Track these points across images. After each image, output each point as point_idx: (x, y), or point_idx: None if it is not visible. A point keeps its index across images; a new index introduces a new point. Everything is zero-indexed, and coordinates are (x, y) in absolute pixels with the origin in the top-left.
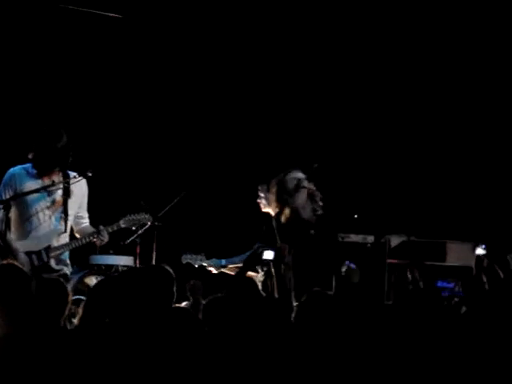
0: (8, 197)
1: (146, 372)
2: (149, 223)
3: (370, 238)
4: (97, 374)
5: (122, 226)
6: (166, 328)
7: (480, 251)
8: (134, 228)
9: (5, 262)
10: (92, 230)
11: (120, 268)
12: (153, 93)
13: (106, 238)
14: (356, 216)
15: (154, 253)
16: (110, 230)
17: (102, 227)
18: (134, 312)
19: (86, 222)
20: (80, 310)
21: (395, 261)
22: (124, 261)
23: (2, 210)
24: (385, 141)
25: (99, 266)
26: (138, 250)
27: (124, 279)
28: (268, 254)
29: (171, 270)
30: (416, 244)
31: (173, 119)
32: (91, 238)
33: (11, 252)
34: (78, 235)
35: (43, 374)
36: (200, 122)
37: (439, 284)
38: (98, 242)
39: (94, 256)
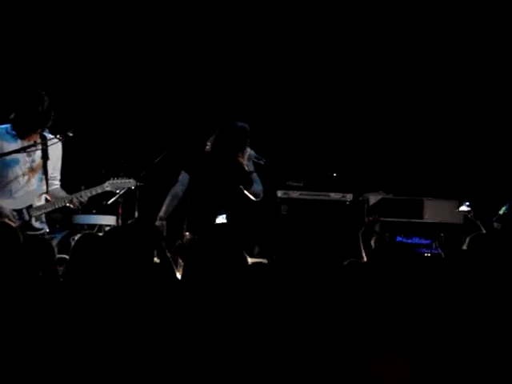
0: None
1: (129, 327)
2: (132, 187)
3: (349, 196)
4: (81, 330)
5: (107, 189)
6: (147, 283)
7: (464, 208)
8: (117, 191)
9: None
10: (63, 192)
11: (103, 227)
12: (134, 54)
13: (85, 199)
14: (335, 175)
15: (136, 212)
16: (94, 192)
17: (75, 194)
18: (118, 268)
19: (57, 183)
20: (63, 268)
21: (373, 217)
22: (107, 220)
23: None
24: (362, 100)
25: (82, 225)
26: (120, 210)
27: (109, 236)
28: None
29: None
30: (394, 201)
31: (153, 79)
32: (70, 200)
33: None
34: (48, 196)
35: (28, 328)
36: (181, 78)
37: (416, 240)
38: (72, 207)
39: (77, 215)
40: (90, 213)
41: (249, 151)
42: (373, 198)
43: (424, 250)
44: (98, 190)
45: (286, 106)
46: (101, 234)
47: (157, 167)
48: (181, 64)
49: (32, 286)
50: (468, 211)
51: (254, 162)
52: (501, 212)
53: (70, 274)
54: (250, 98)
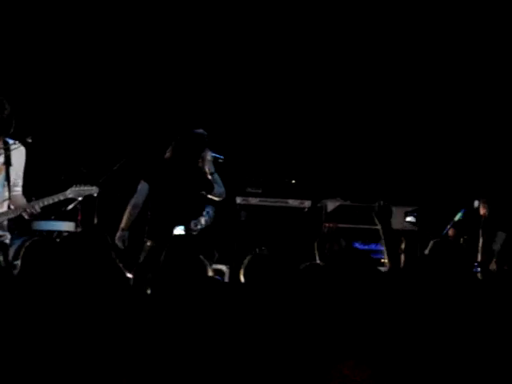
0: None
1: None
2: (95, 194)
3: (307, 203)
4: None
5: (69, 196)
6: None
7: (411, 219)
8: (79, 198)
9: None
10: (23, 199)
11: (62, 234)
12: (93, 57)
13: (36, 212)
14: (293, 181)
15: (96, 218)
16: (56, 199)
17: (33, 201)
18: (69, 275)
19: (19, 189)
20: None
21: (331, 224)
22: (65, 226)
23: None
24: (322, 108)
25: (41, 231)
26: (79, 216)
27: (64, 243)
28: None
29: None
30: (351, 208)
31: (115, 84)
32: (23, 210)
33: None
34: (10, 203)
35: None
36: (141, 83)
37: (373, 246)
38: (27, 216)
39: (36, 222)
40: (49, 219)
41: (208, 154)
42: (331, 205)
43: (381, 255)
44: (60, 197)
45: (244, 111)
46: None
47: (116, 174)
48: (139, 70)
49: None
50: (413, 222)
51: (213, 162)
52: (456, 218)
53: (20, 279)
54: (209, 103)
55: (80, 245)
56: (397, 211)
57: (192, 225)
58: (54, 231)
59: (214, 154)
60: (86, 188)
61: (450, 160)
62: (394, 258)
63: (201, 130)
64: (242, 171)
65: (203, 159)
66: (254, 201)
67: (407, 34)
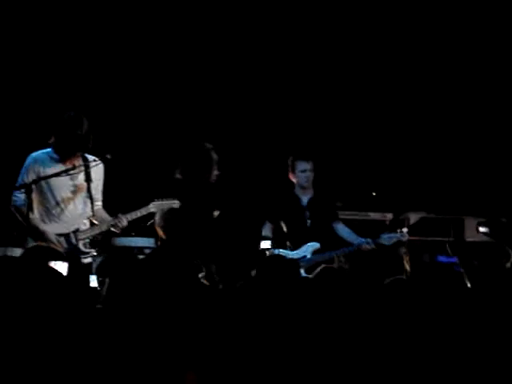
0: (31, 180)
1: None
2: (176, 207)
3: (389, 216)
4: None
5: (151, 210)
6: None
7: (483, 229)
8: (161, 213)
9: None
10: (106, 214)
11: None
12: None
13: (124, 225)
14: (374, 194)
15: (178, 234)
16: (139, 214)
17: (120, 215)
18: (159, 293)
19: (99, 204)
20: (103, 292)
21: (415, 237)
22: (145, 242)
23: (25, 194)
24: (401, 116)
25: (121, 248)
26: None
27: (148, 262)
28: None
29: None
30: (435, 220)
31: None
32: (112, 224)
33: (40, 234)
34: (93, 219)
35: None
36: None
37: (440, 259)
38: (116, 229)
39: (117, 238)
40: (129, 235)
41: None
42: (414, 217)
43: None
44: (143, 211)
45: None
46: (141, 257)
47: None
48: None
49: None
50: (486, 232)
51: None
52: None
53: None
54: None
55: (165, 260)
56: (470, 222)
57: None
58: (134, 247)
59: None
60: (167, 202)
61: None
62: (469, 272)
63: (207, 144)
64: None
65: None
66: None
67: (412, 30)
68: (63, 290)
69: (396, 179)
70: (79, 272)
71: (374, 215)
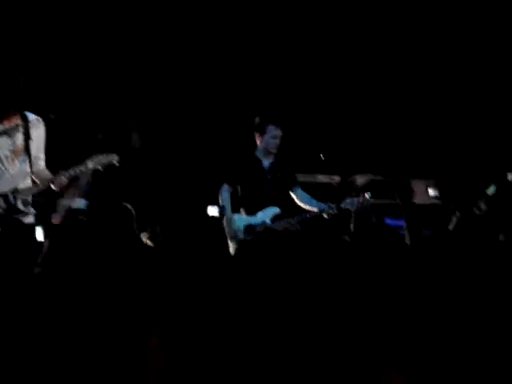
0: None
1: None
2: (115, 163)
3: (337, 178)
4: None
5: (90, 167)
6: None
7: (432, 193)
8: (99, 168)
9: None
10: (47, 172)
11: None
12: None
13: (64, 181)
14: (322, 156)
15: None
16: (78, 171)
17: (62, 172)
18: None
19: (42, 164)
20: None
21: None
22: (82, 204)
23: None
24: (349, 75)
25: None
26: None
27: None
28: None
29: (131, 207)
30: (382, 183)
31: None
32: (51, 181)
33: None
34: (33, 177)
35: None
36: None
37: (387, 221)
38: (55, 189)
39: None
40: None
41: None
42: (361, 180)
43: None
44: (82, 168)
45: (273, 83)
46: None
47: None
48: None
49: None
50: (436, 196)
51: None
52: (489, 192)
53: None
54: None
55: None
56: (418, 185)
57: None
58: (75, 209)
59: None
60: (105, 157)
61: (479, 129)
62: (414, 234)
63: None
64: None
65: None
66: None
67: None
68: None
69: (343, 141)
70: (18, 233)
71: (321, 178)
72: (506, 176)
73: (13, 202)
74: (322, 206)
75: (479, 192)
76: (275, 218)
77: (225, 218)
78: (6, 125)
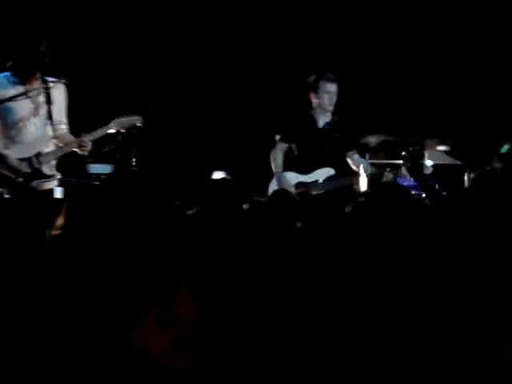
0: None
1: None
2: (139, 124)
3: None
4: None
5: (113, 127)
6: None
7: (443, 147)
8: (123, 130)
9: None
10: (71, 136)
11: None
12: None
13: (89, 146)
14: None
15: (134, 160)
16: (101, 133)
17: (83, 135)
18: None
19: (64, 127)
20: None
21: (376, 161)
22: (103, 169)
23: None
24: (359, 38)
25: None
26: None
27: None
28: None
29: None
30: (394, 143)
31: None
32: (75, 145)
33: (1, 158)
34: (56, 141)
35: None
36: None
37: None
38: (80, 152)
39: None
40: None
41: None
42: (373, 140)
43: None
44: (105, 130)
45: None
46: (97, 183)
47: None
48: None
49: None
50: (447, 151)
51: None
52: (503, 151)
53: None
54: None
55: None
56: (430, 144)
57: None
58: (91, 174)
59: None
60: (129, 118)
61: (493, 91)
62: (431, 196)
63: None
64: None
65: None
66: None
67: None
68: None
69: (355, 103)
70: (35, 200)
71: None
72: None
73: (37, 165)
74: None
75: (493, 151)
76: (328, 179)
77: (275, 174)
78: (28, 88)
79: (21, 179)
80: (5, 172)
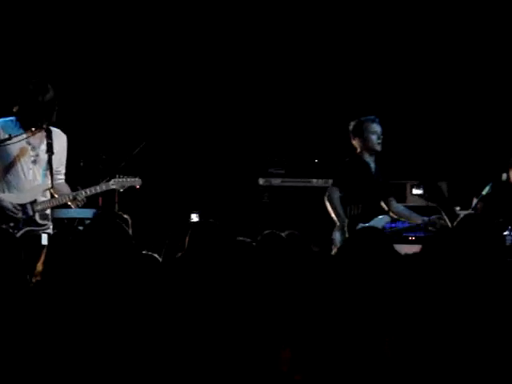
0: None
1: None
2: (137, 186)
3: (331, 182)
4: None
5: (111, 187)
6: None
7: (417, 191)
8: (121, 190)
9: None
10: (67, 187)
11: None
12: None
13: (83, 200)
14: (316, 161)
15: (116, 205)
16: (99, 190)
17: (80, 189)
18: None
19: (62, 178)
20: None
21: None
22: (86, 213)
23: None
24: (343, 83)
25: (61, 219)
26: (100, 203)
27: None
28: None
29: (125, 216)
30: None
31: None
32: (71, 198)
33: None
34: (53, 191)
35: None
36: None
37: (399, 224)
38: (74, 205)
39: (57, 210)
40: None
41: None
42: None
43: (410, 233)
44: (103, 187)
45: (266, 92)
46: (81, 228)
47: (135, 159)
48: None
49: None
50: (421, 194)
51: None
52: (484, 192)
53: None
54: (232, 83)
55: (101, 231)
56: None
57: None
58: (75, 219)
59: None
60: (129, 179)
61: (474, 132)
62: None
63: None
64: (264, 152)
65: None
66: (276, 181)
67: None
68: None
69: (337, 145)
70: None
71: (316, 182)
72: (500, 176)
73: (31, 213)
74: (425, 219)
75: (475, 192)
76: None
77: (340, 224)
78: (31, 137)
79: (11, 224)
80: None
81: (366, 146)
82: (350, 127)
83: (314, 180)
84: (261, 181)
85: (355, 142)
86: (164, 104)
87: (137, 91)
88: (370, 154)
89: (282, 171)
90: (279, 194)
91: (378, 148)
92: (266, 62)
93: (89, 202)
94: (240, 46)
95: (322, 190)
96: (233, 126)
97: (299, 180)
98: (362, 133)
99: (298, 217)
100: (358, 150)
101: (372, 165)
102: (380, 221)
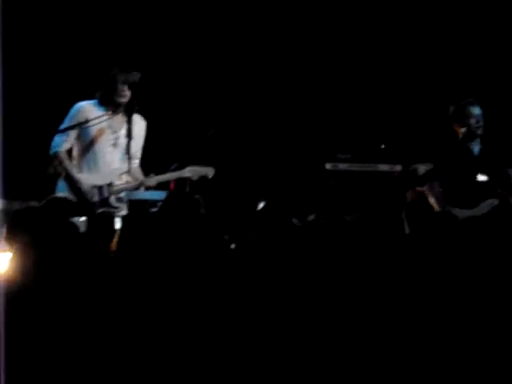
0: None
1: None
2: (210, 175)
3: (398, 167)
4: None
5: (186, 175)
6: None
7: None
8: (194, 178)
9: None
10: (140, 172)
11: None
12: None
13: (153, 185)
14: (383, 146)
15: (188, 187)
16: (175, 177)
17: (152, 175)
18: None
19: (137, 162)
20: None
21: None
22: (159, 195)
23: (66, 140)
24: (408, 66)
25: (134, 201)
26: (171, 185)
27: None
28: None
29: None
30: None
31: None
32: (143, 183)
33: (74, 181)
34: (128, 176)
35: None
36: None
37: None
38: (142, 190)
39: (130, 192)
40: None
41: None
42: (422, 169)
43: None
44: (177, 175)
45: (334, 79)
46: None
47: (202, 146)
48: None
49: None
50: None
51: None
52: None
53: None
54: (299, 69)
55: (173, 212)
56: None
57: None
58: (147, 200)
59: None
60: (203, 168)
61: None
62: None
63: None
64: (331, 137)
65: None
66: (343, 166)
67: None
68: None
69: (404, 131)
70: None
71: (382, 167)
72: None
73: (107, 195)
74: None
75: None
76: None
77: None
78: (112, 120)
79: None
80: (75, 196)
81: (467, 130)
82: (450, 112)
83: (381, 165)
84: (328, 165)
85: (456, 127)
86: (234, 91)
87: (209, 80)
88: (474, 137)
89: (349, 156)
90: (346, 178)
91: (480, 132)
92: (330, 49)
93: (161, 184)
94: (308, 35)
95: (387, 175)
96: (300, 112)
97: (366, 165)
98: (461, 118)
99: (364, 201)
100: (459, 135)
101: (474, 148)
102: (487, 207)
